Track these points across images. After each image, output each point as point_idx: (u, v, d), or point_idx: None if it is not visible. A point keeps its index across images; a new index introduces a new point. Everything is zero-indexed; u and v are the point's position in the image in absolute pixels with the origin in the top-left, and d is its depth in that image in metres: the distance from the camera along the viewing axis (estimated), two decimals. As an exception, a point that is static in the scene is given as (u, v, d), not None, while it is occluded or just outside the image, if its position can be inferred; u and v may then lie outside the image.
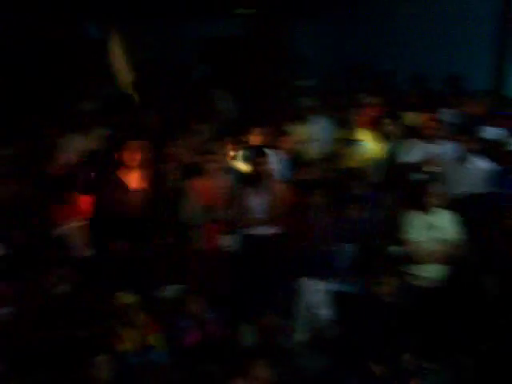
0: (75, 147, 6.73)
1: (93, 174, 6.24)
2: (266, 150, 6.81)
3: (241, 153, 7.24)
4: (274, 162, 7.06)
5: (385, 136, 7.58)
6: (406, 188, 6.69)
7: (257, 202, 6.55)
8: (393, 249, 6.21)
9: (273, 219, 6.49)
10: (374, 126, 7.75)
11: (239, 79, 8.69)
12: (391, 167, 7.22)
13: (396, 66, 9.65)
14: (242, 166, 7.07)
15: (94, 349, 5.08)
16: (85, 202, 6.13)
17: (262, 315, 5.94)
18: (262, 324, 5.89)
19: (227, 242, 6.50)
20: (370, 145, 7.55)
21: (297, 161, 7.25)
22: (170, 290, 5.78)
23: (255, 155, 6.75)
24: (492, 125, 7.47)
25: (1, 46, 7.64)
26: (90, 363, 5.01)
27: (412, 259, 6.14)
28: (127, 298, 5.41)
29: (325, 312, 6.19)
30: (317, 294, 6.21)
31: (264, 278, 6.24)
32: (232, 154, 7.15)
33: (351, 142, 7.43)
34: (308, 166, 6.96)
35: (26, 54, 7.79)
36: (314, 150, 7.64)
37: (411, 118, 7.86)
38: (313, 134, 7.82)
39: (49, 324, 5.35)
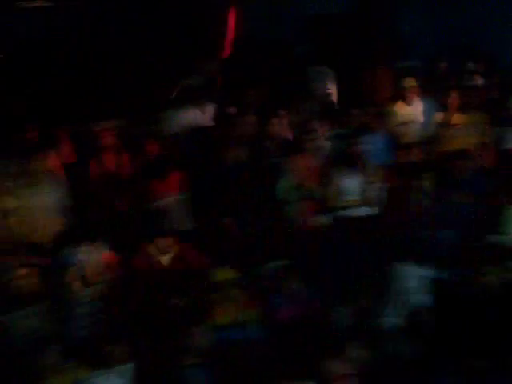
0: (181, 122, 6.86)
1: (197, 149, 6.37)
2: (365, 131, 6.71)
3: (338, 132, 7.17)
4: (373, 143, 6.95)
5: (491, 120, 7.28)
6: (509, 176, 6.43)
7: (351, 183, 6.47)
8: (496, 238, 5.99)
9: (367, 201, 6.40)
10: (478, 109, 7.46)
11: (340, 58, 8.58)
12: (497, 153, 6.95)
13: (503, 47, 9.22)
14: (339, 146, 7.00)
15: (191, 319, 5.22)
16: (186, 176, 6.26)
17: (357, 297, 5.90)
18: (356, 306, 5.86)
19: (321, 221, 6.48)
20: (472, 129, 7.28)
21: (396, 143, 7.10)
22: (267, 267, 5.84)
23: (353, 135, 6.66)
24: None
25: (117, 14, 7.88)
26: (187, 332, 5.15)
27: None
28: (226, 273, 5.50)
29: (420, 298, 6.07)
30: (413, 280, 6.09)
31: (359, 260, 6.19)
32: (330, 133, 7.09)
33: (453, 125, 7.20)
34: (409, 148, 6.80)
35: (143, 25, 7.98)
36: (414, 133, 7.45)
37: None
38: (414, 116, 7.63)
39: (150, 292, 5.56)
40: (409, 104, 7.71)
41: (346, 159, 6.61)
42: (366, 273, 6.10)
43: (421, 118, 7.64)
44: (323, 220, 6.49)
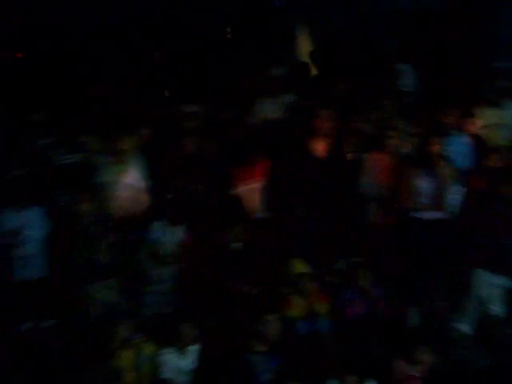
0: (264, 112, 6.89)
1: (278, 139, 6.39)
2: (448, 132, 6.54)
3: (417, 131, 7.01)
4: (455, 145, 6.77)
5: None
6: None
7: (426, 185, 6.33)
8: None
9: (441, 205, 6.25)
10: None
11: (428, 56, 8.39)
12: None
13: None
14: (416, 146, 6.83)
15: (262, 307, 5.27)
16: (265, 165, 6.29)
17: (430, 300, 5.80)
18: (429, 309, 5.76)
19: (395, 221, 6.38)
20: None
21: (483, 146, 6.88)
22: (341, 262, 5.83)
23: (432, 135, 6.51)
24: None
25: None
26: (257, 320, 5.21)
27: None
28: (300, 266, 5.52)
29: (496, 308, 5.91)
30: (490, 288, 5.93)
31: (433, 264, 6.07)
32: (407, 131, 6.94)
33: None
34: (496, 152, 6.58)
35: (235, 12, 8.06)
36: (503, 136, 7.20)
37: None
38: (503, 119, 7.37)
39: (222, 277, 5.64)
40: (499, 106, 7.46)
41: (424, 160, 6.46)
42: (441, 277, 5.99)
43: (509, 122, 7.38)
44: (396, 220, 6.38)
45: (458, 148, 6.78)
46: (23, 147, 6.27)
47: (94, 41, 7.61)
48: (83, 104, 6.67)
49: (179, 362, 5.36)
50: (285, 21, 8.89)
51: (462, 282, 6.03)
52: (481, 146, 6.87)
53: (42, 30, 7.59)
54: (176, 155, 6.24)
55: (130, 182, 6.04)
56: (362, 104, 6.91)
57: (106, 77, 7.11)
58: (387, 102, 7.27)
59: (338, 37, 8.37)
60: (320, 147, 6.36)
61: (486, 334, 5.84)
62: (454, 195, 6.26)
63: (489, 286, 5.92)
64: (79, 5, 7.78)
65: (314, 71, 8.03)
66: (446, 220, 6.22)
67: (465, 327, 5.94)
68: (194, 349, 5.38)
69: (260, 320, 5.21)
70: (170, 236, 5.86)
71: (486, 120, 7.29)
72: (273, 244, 5.74)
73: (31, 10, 7.64)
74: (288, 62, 7.84)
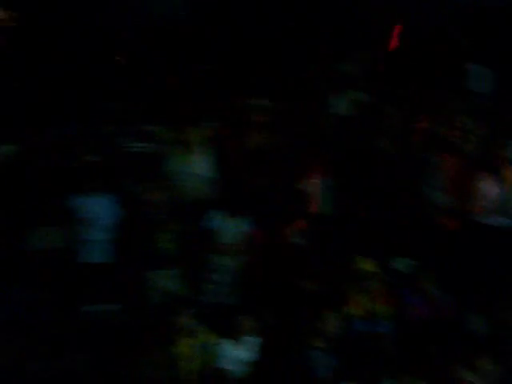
0: (332, 108, 6.85)
1: (346, 135, 6.37)
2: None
3: (485, 134, 6.84)
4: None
5: None
6: None
7: (492, 189, 6.18)
8: None
9: (506, 210, 6.10)
10: None
11: (503, 56, 8.16)
12: None
13: None
14: (483, 148, 6.67)
15: (323, 304, 5.27)
16: (332, 161, 6.27)
17: (496, 308, 5.67)
18: (494, 316, 5.63)
19: (459, 225, 6.26)
20: None
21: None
22: (405, 263, 5.76)
23: (501, 138, 6.35)
24: None
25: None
26: (318, 316, 5.22)
27: None
28: (365, 264, 5.48)
29: None
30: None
31: (499, 271, 5.94)
32: (475, 133, 6.79)
33: None
34: None
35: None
36: None
37: None
38: None
39: (284, 271, 5.67)
40: None
41: (490, 163, 6.31)
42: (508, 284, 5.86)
43: None
44: (460, 224, 6.26)
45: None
46: (95, 134, 6.46)
47: (166, 32, 7.71)
48: (154, 94, 6.80)
49: (237, 352, 5.42)
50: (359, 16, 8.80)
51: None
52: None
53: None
54: (243, 148, 6.29)
55: (197, 172, 6.14)
56: (432, 104, 6.80)
57: (178, 68, 7.21)
58: (458, 103, 7.14)
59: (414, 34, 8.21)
60: (387, 146, 6.31)
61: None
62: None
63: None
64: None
65: (384, 69, 7.94)
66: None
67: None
68: (252, 341, 5.43)
69: (320, 316, 5.22)
70: (230, 227, 5.93)
71: None
72: (337, 240, 5.73)
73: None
74: (359, 58, 7.76)
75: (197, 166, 6.15)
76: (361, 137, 6.38)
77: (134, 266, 5.81)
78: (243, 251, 5.87)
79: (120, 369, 5.43)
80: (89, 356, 5.54)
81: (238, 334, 5.42)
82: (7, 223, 5.89)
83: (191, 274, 5.89)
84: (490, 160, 6.33)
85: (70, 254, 5.85)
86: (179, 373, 5.32)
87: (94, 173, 6.02)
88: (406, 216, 6.01)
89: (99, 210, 5.86)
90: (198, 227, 5.94)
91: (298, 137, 6.40)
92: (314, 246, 5.71)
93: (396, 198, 6.09)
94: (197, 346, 5.40)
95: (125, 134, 6.45)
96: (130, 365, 5.41)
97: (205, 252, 5.90)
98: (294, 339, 5.35)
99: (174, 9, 7.94)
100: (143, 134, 6.45)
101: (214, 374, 5.38)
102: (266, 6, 7.98)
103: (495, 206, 6.19)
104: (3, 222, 5.88)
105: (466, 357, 5.19)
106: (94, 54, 7.37)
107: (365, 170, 6.16)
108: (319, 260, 5.63)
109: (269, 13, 7.79)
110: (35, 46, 7.56)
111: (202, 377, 5.36)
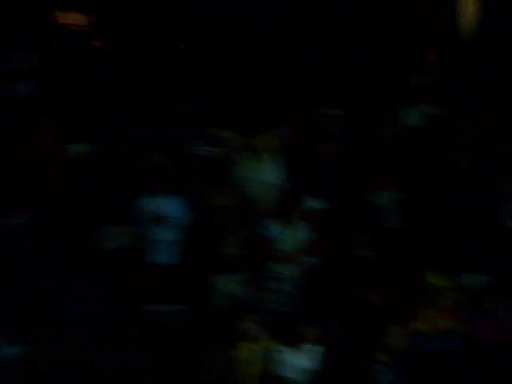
0: (403, 120, 6.78)
1: (416, 148, 6.28)
2: None
3: None
4: None
5: None
6: None
7: None
8: None
9: None
10: None
11: None
12: None
13: None
14: None
15: (389, 317, 5.19)
16: (401, 174, 6.20)
17: None
18: None
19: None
20: None
21: None
22: (476, 280, 5.62)
23: None
24: None
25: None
26: (383, 330, 5.14)
27: None
28: (435, 279, 5.36)
29: None
30: None
31: None
32: None
33: None
34: None
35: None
36: None
37: None
38: None
39: (349, 283, 5.62)
40: None
41: None
42: None
43: None
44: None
45: None
46: (166, 137, 6.56)
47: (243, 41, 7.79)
48: (226, 100, 6.88)
49: (298, 360, 5.39)
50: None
51: None
52: None
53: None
54: (313, 157, 6.28)
55: (265, 179, 6.16)
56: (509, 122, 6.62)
57: (252, 76, 7.28)
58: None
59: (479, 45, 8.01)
60: (458, 160, 6.19)
61: None
62: None
63: None
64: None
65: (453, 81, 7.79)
66: None
67: None
68: (314, 350, 5.40)
69: (385, 330, 5.14)
70: (295, 234, 5.90)
71: None
72: (406, 254, 5.64)
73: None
74: (431, 71, 7.65)
75: (266, 173, 6.18)
76: (432, 149, 6.28)
77: (200, 269, 5.88)
78: (303, 259, 5.85)
79: (181, 369, 5.49)
80: (152, 355, 5.62)
81: (300, 342, 5.39)
82: (80, 221, 6.06)
83: (256, 280, 5.91)
84: None
85: (137, 254, 5.99)
86: (239, 377, 5.34)
87: (164, 174, 6.14)
88: (479, 231, 5.86)
89: (168, 211, 5.94)
90: (261, 234, 5.97)
91: (368, 148, 6.35)
92: (381, 259, 5.64)
93: (468, 212, 5.95)
94: (258, 351, 5.40)
95: (195, 137, 6.54)
96: (191, 366, 5.46)
97: (267, 259, 5.90)
98: (358, 351, 5.29)
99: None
100: (213, 139, 6.52)
101: (274, 381, 5.37)
102: (340, 17, 7.97)
103: None
104: (76, 220, 6.05)
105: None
106: (168, 57, 7.52)
107: (436, 183, 6.06)
108: (387, 273, 5.55)
109: (344, 24, 7.78)
110: (111, 49, 7.78)
111: (261, 383, 5.37)
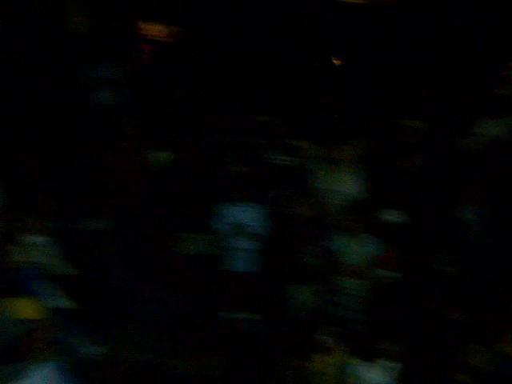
0: (486, 132, 6.60)
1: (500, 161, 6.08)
2: None
3: None
4: None
5: None
6: None
7: None
8: None
9: None
10: None
11: None
12: None
13: None
14: None
15: (471, 336, 5.03)
16: (486, 187, 6.01)
17: None
18: None
19: None
20: None
21: None
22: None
23: None
24: None
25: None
26: (463, 349, 4.99)
27: None
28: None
29: None
30: None
31: None
32: None
33: None
34: None
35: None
36: None
37: None
38: None
39: (427, 299, 5.48)
40: None
41: None
42: None
43: None
44: None
45: None
46: (245, 146, 6.62)
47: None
48: (305, 109, 6.89)
49: (373, 376, 5.29)
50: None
51: None
52: None
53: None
54: (393, 169, 6.20)
55: (344, 190, 6.12)
56: None
57: (333, 86, 7.26)
58: None
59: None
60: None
61: None
62: None
63: None
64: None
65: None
66: None
67: None
68: (390, 366, 5.28)
69: (467, 350, 4.98)
70: (355, 248, 5.83)
71: None
72: (490, 271, 5.46)
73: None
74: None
75: (344, 184, 6.14)
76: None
77: (277, 278, 5.88)
78: (379, 275, 5.77)
79: (254, 377, 5.49)
80: (225, 361, 5.65)
81: (376, 357, 5.29)
82: (159, 227, 6.18)
83: (332, 292, 5.85)
84: None
85: (215, 261, 6.06)
86: (311, 389, 5.30)
87: (243, 183, 6.19)
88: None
89: (247, 219, 5.98)
90: (329, 246, 5.92)
91: (450, 160, 6.21)
92: (465, 275, 5.48)
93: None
94: (332, 364, 5.33)
95: (273, 146, 6.57)
96: (263, 375, 5.45)
97: (334, 273, 5.84)
98: (436, 369, 5.15)
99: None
100: (291, 148, 6.53)
101: (348, 395, 5.29)
102: (418, 27, 7.86)
103: None
104: (156, 226, 6.17)
105: None
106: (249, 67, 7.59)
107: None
108: (471, 290, 5.38)
109: (425, 33, 7.66)
110: (191, 60, 7.93)
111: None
